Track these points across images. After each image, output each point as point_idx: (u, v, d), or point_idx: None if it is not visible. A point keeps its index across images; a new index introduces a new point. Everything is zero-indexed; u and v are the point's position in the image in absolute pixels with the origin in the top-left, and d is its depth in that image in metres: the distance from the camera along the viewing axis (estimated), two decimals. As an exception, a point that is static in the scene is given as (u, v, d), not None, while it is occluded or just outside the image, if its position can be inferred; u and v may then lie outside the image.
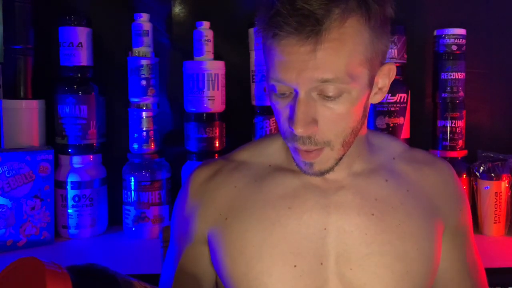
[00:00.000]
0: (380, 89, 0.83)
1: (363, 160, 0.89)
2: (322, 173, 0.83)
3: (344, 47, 0.73)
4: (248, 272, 0.83)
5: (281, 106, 0.79)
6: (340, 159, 0.82)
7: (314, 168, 0.82)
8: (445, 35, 1.70)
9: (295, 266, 0.83)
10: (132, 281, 0.65)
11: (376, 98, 0.83)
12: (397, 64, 1.63)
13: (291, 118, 0.76)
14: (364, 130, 0.87)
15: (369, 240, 0.84)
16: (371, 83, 0.80)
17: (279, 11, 0.72)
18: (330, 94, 0.75)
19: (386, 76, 0.83)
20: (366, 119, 0.86)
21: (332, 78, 0.74)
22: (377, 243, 0.84)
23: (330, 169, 0.83)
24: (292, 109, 0.76)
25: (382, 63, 0.81)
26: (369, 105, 0.84)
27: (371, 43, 0.76)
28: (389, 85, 0.84)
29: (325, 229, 0.84)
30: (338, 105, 0.76)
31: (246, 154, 0.93)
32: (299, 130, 0.76)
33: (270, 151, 0.92)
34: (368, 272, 0.83)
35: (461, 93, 1.72)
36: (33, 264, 0.56)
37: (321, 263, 0.83)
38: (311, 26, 0.71)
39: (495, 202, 1.64)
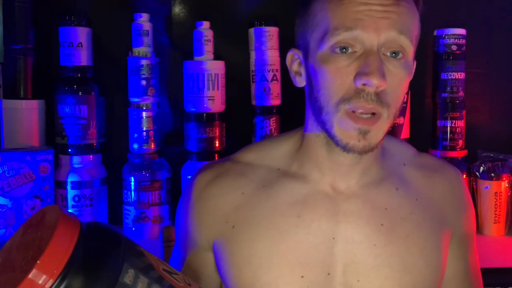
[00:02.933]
0: None
1: (376, 166, 0.86)
2: (370, 148, 0.78)
3: (413, 13, 0.79)
4: (255, 282, 0.82)
5: (343, 64, 0.76)
6: (383, 137, 0.80)
7: (367, 138, 0.77)
8: (445, 35, 1.70)
9: (302, 276, 0.81)
10: (142, 250, 0.66)
11: None
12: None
13: (364, 70, 0.74)
14: None
15: (377, 252, 0.82)
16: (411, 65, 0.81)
17: None
18: (399, 49, 0.76)
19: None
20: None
21: (406, 33, 0.76)
22: (386, 254, 0.82)
23: (377, 145, 0.79)
24: (366, 63, 0.74)
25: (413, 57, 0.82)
26: None
27: (419, 24, 0.81)
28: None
29: (333, 238, 0.82)
30: (400, 69, 0.77)
31: (252, 155, 0.90)
32: (374, 81, 0.73)
33: (279, 154, 0.89)
34: (376, 284, 0.82)
35: (461, 93, 1.72)
36: (52, 209, 0.62)
37: (328, 273, 0.82)
38: None
39: (495, 202, 1.64)
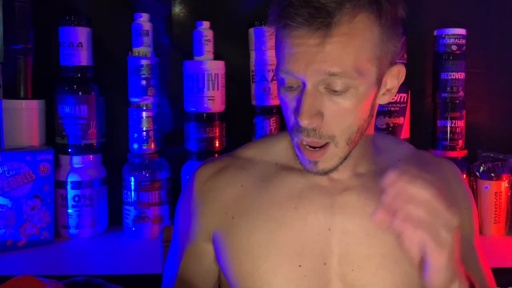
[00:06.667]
0: (388, 90, 0.84)
1: (367, 161, 0.89)
2: (326, 172, 0.83)
3: (353, 42, 0.74)
4: (254, 272, 0.84)
5: (289, 99, 0.80)
6: (345, 158, 0.82)
7: (318, 166, 0.82)
8: (445, 35, 1.70)
9: (299, 266, 0.83)
10: None
11: (384, 99, 0.84)
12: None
13: (297, 109, 0.77)
14: (371, 130, 0.88)
15: (370, 242, 0.84)
16: (379, 82, 0.80)
17: (291, 3, 0.74)
18: (337, 88, 0.76)
19: (395, 77, 0.83)
20: (374, 119, 0.86)
21: (339, 72, 0.75)
22: (378, 245, 0.84)
23: (334, 168, 0.83)
24: (299, 101, 0.77)
25: (392, 64, 0.82)
26: (377, 105, 0.84)
27: (381, 41, 0.77)
28: (398, 86, 0.85)
29: (329, 229, 0.85)
30: (344, 100, 0.77)
31: (252, 151, 0.93)
32: (304, 122, 0.76)
33: (277, 150, 0.92)
34: (369, 274, 0.84)
35: (461, 93, 1.72)
36: (31, 283, 0.56)
37: (325, 263, 0.84)
38: (321, 18, 0.72)
39: (495, 202, 1.64)
